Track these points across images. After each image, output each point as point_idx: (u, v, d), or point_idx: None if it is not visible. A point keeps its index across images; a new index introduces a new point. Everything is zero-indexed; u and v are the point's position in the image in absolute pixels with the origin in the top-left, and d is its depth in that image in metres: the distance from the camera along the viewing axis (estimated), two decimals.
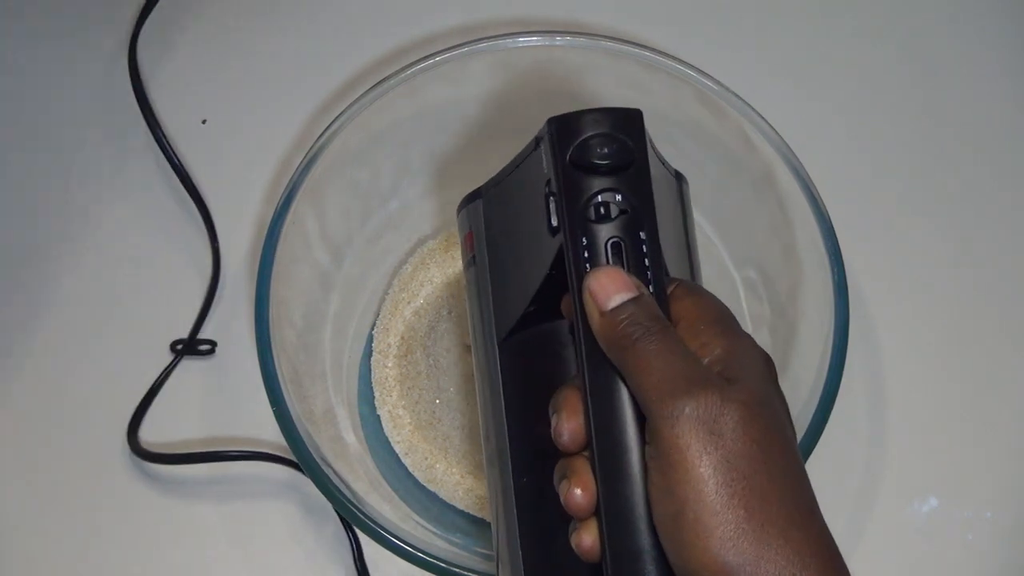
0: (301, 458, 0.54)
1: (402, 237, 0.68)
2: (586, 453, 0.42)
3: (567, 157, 0.43)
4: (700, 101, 0.61)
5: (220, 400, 0.65)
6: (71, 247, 0.68)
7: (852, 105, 0.73)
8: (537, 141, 0.45)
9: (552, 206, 0.43)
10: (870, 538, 0.62)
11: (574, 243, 0.42)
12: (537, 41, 0.62)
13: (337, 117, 0.60)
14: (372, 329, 0.66)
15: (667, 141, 0.64)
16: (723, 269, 0.65)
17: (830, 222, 0.58)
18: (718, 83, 0.61)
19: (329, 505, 0.53)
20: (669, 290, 0.43)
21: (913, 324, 0.67)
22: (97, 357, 0.66)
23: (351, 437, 0.62)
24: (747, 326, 0.63)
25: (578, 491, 0.41)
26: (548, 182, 0.43)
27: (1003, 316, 0.68)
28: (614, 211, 0.42)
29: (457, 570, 0.52)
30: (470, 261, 0.50)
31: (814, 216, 0.58)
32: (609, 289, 0.41)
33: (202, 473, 0.63)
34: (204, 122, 0.72)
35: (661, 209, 0.43)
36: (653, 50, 0.61)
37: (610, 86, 0.63)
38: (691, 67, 0.61)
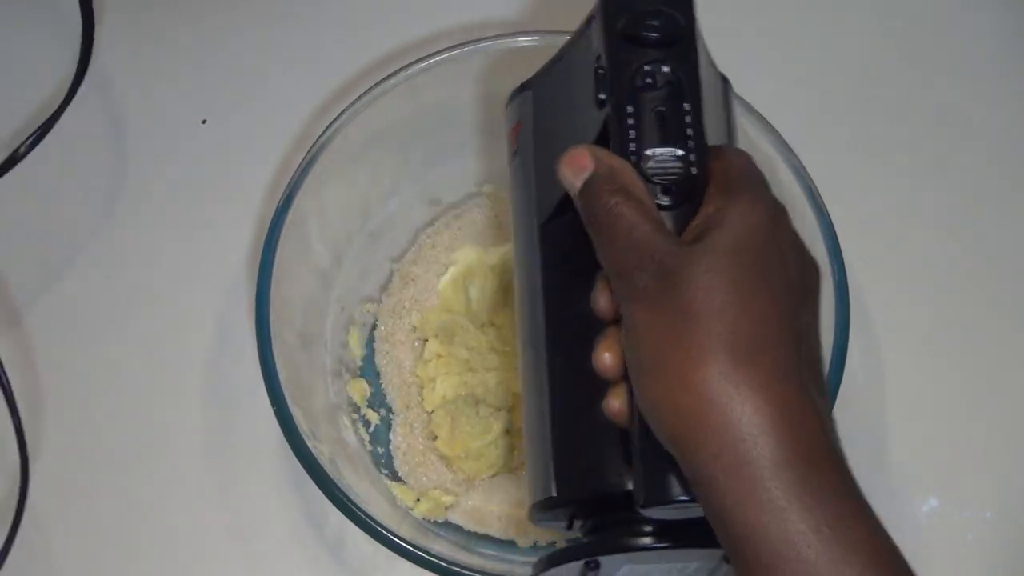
0: (301, 458, 0.54)
1: (402, 237, 0.68)
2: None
3: (617, 29, 0.44)
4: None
5: (220, 400, 0.65)
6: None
7: (852, 105, 0.73)
8: (589, 19, 0.46)
9: (601, 79, 0.44)
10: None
11: (619, 111, 0.43)
12: (537, 41, 0.62)
13: (337, 117, 0.61)
14: (372, 329, 0.66)
15: None
16: None
17: (830, 221, 0.58)
18: None
19: (329, 504, 0.53)
20: None
21: (913, 324, 0.67)
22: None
23: (351, 437, 0.62)
24: None
25: (607, 354, 0.42)
26: (598, 57, 0.44)
27: (1004, 316, 0.68)
28: (660, 81, 0.43)
29: (457, 569, 0.52)
30: (514, 152, 0.50)
31: (814, 216, 0.58)
32: (568, 173, 0.42)
33: (202, 473, 0.63)
34: (204, 122, 0.72)
35: (707, 94, 0.44)
36: None
37: None
38: None
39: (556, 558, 0.44)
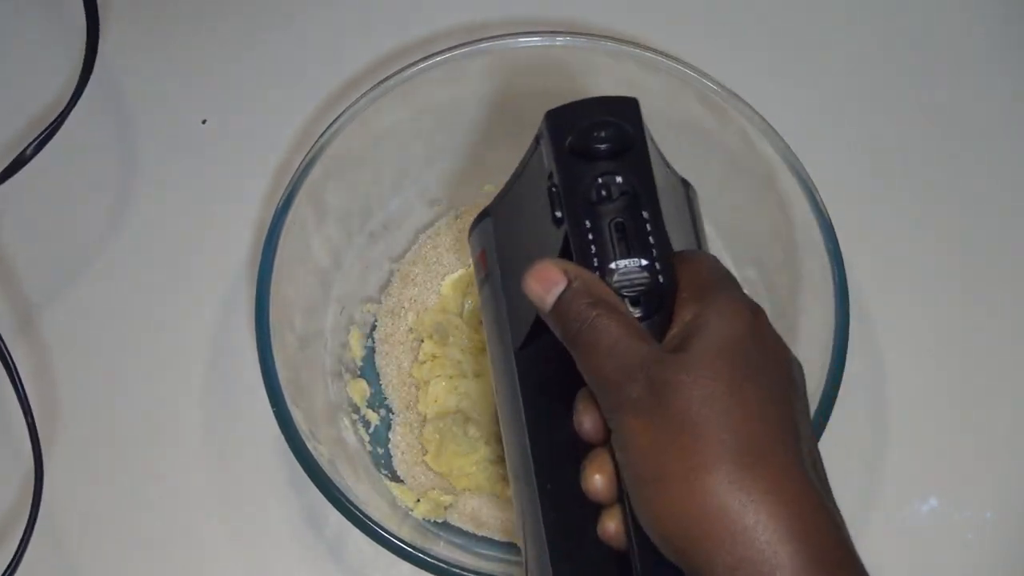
0: (301, 458, 0.54)
1: (402, 237, 0.68)
2: (608, 443, 0.42)
3: (566, 146, 0.43)
4: (700, 101, 0.61)
5: (219, 400, 0.65)
6: None
7: (852, 105, 0.73)
8: (537, 139, 0.45)
9: (555, 198, 0.43)
10: (870, 538, 0.61)
11: (577, 227, 0.42)
12: (537, 41, 0.62)
13: (337, 117, 0.61)
14: (372, 330, 0.66)
15: (667, 141, 0.64)
16: None
17: (830, 222, 0.58)
18: (718, 83, 0.61)
19: (329, 505, 0.53)
20: None
21: (913, 324, 0.67)
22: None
23: (351, 437, 0.63)
24: None
25: (597, 477, 0.41)
26: (550, 175, 0.44)
27: (1004, 316, 0.68)
28: (615, 192, 0.42)
29: (457, 570, 0.52)
30: (483, 279, 0.50)
31: (814, 216, 0.58)
32: (539, 290, 0.41)
33: (202, 473, 0.63)
34: (204, 122, 0.72)
35: (666, 202, 0.43)
36: (653, 50, 0.61)
37: (610, 86, 0.62)
38: (691, 67, 0.61)
39: None
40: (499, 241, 0.49)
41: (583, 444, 0.42)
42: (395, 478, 0.63)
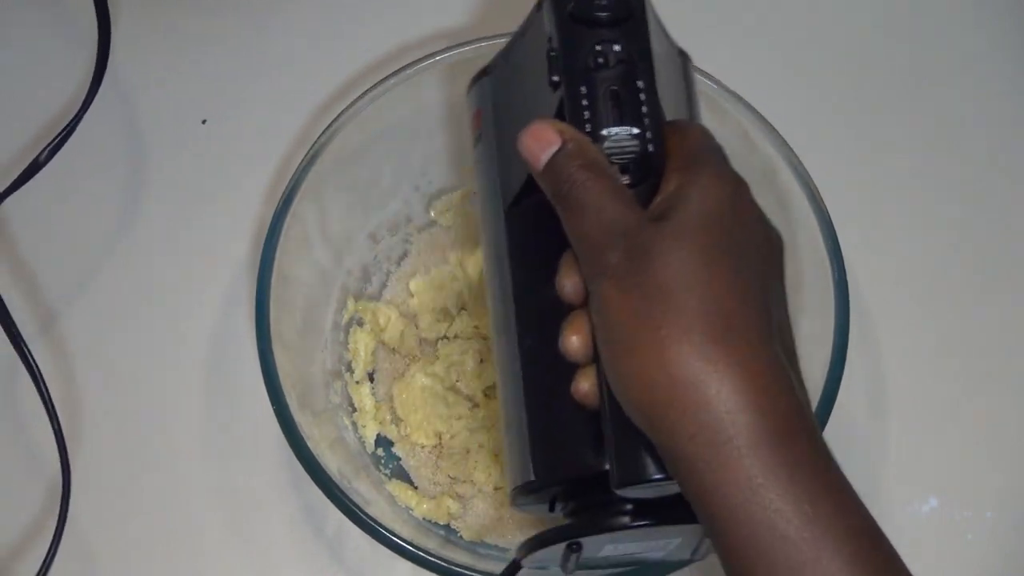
0: (301, 458, 0.54)
1: (402, 237, 0.68)
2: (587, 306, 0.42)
3: (567, 12, 0.44)
4: (700, 101, 0.61)
5: (219, 400, 0.65)
6: None
7: (853, 105, 0.73)
8: (539, 3, 0.46)
9: (553, 62, 0.44)
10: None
11: (572, 92, 0.43)
12: None
13: (337, 117, 0.61)
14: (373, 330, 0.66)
15: None
16: None
17: (830, 221, 0.58)
18: (718, 83, 0.61)
19: (329, 505, 0.53)
20: None
21: (913, 324, 0.67)
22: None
23: (351, 437, 0.63)
24: None
25: (574, 337, 0.42)
26: (549, 39, 0.44)
27: (1004, 316, 0.68)
28: (612, 60, 0.43)
29: (458, 570, 0.52)
30: (477, 138, 0.50)
31: (814, 216, 0.58)
32: (534, 147, 0.42)
33: (202, 473, 0.63)
34: (204, 122, 0.72)
35: (662, 73, 0.44)
36: None
37: None
38: (691, 67, 0.61)
39: (538, 541, 0.45)
40: (496, 101, 0.49)
41: (564, 305, 0.42)
42: (395, 477, 0.62)
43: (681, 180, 0.41)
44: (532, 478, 0.46)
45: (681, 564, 0.49)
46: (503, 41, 0.61)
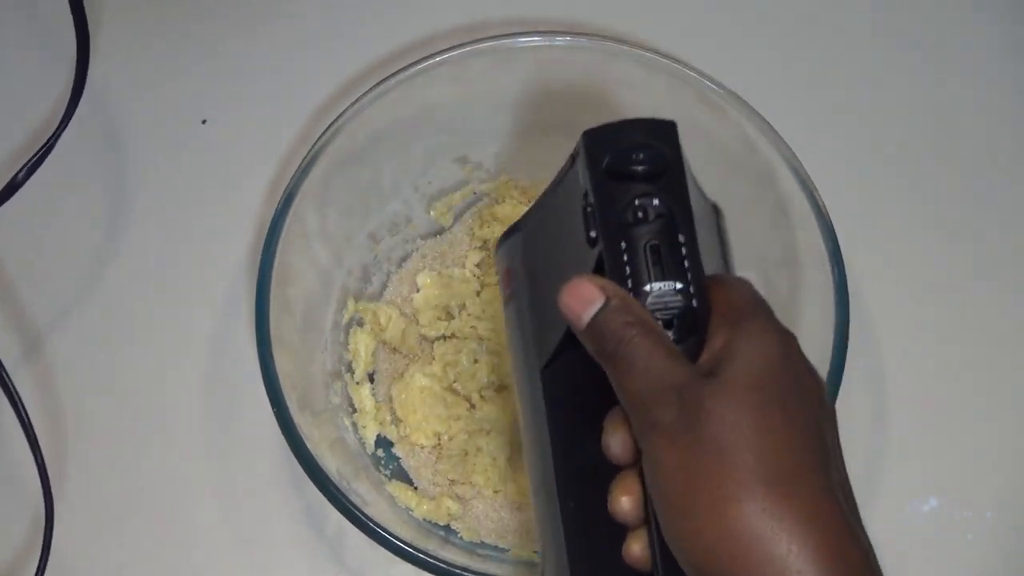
0: (301, 458, 0.54)
1: (402, 238, 0.68)
2: (637, 466, 0.42)
3: (603, 167, 0.43)
4: (700, 101, 0.61)
5: (220, 400, 0.65)
6: None
7: (852, 105, 0.73)
8: (573, 158, 0.45)
9: (590, 217, 0.43)
10: (870, 538, 0.61)
11: (612, 248, 0.42)
12: (538, 41, 0.62)
13: (337, 117, 0.61)
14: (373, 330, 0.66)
15: None
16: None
17: (830, 222, 0.58)
18: (718, 83, 0.61)
19: (329, 505, 0.53)
20: None
21: (913, 324, 0.67)
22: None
23: (351, 437, 0.63)
24: None
25: (624, 499, 0.41)
26: (585, 195, 0.43)
27: (1004, 316, 0.68)
28: (651, 215, 0.42)
29: (458, 571, 0.52)
30: (509, 296, 0.50)
31: (814, 216, 0.58)
32: (576, 307, 0.41)
33: (202, 473, 0.63)
34: (204, 122, 0.72)
35: (699, 223, 0.43)
36: (653, 50, 0.61)
37: (610, 86, 0.63)
38: (691, 67, 0.61)
39: None
40: (527, 258, 0.49)
41: (608, 465, 0.42)
42: (395, 478, 0.63)
43: (730, 335, 0.40)
44: None
45: None
46: (503, 41, 0.62)
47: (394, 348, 0.65)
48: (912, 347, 0.66)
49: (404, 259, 0.68)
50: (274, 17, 0.75)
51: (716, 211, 0.48)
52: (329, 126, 0.60)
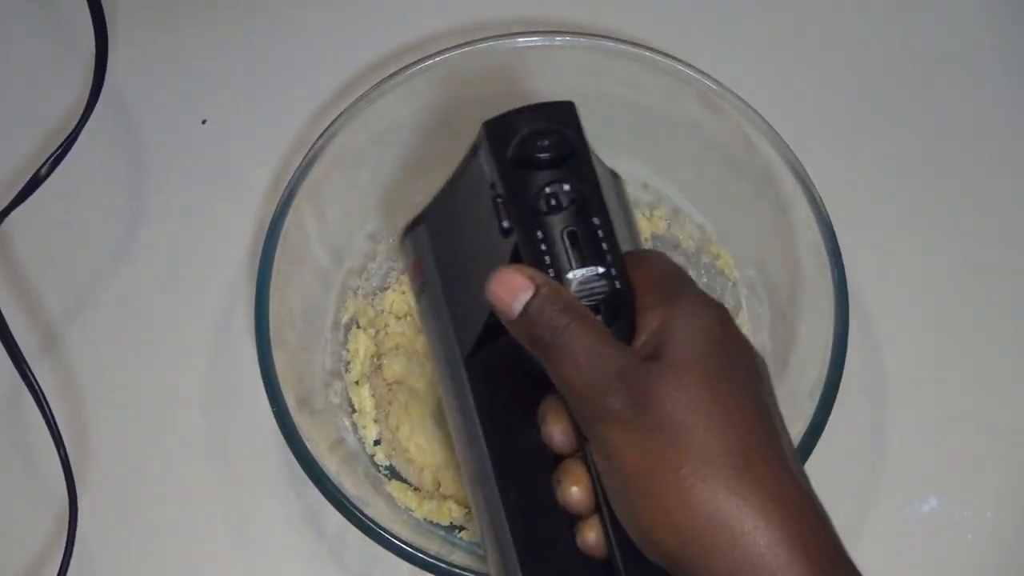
0: (301, 458, 0.54)
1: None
2: (580, 453, 0.42)
3: (508, 157, 0.43)
4: (700, 101, 0.61)
5: (219, 400, 0.65)
6: None
7: (853, 105, 0.73)
8: (475, 148, 0.45)
9: (501, 208, 0.43)
10: (870, 538, 0.61)
11: (528, 238, 0.41)
12: (537, 41, 0.62)
13: (337, 117, 0.61)
14: (373, 329, 0.66)
15: (667, 141, 0.64)
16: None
17: (830, 222, 0.58)
18: (718, 83, 0.61)
19: (329, 505, 0.53)
20: None
21: (913, 324, 0.67)
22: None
23: (351, 437, 0.63)
24: (747, 327, 0.63)
25: (574, 488, 0.41)
26: (492, 185, 0.43)
27: (1004, 316, 0.68)
28: (564, 201, 0.42)
29: (458, 571, 0.52)
30: (419, 288, 0.49)
31: (814, 216, 0.58)
32: (505, 297, 0.40)
33: (202, 473, 0.63)
34: (204, 122, 0.72)
35: (608, 200, 0.43)
36: (653, 50, 0.61)
37: (610, 85, 0.63)
38: (691, 67, 0.61)
39: None
40: (437, 249, 0.48)
41: (545, 453, 0.42)
42: (395, 477, 0.63)
43: (664, 314, 0.40)
44: None
45: None
46: (502, 41, 0.62)
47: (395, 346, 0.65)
48: (912, 347, 0.66)
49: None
50: (274, 18, 0.75)
51: (615, 177, 0.48)
52: (329, 126, 0.60)
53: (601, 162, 0.46)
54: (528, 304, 0.40)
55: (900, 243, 0.69)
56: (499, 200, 0.43)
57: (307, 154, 0.60)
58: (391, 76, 0.61)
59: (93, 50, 0.65)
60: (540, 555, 0.44)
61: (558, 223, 0.42)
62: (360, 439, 0.63)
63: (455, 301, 0.47)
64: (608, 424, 0.38)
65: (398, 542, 0.53)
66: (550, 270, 0.41)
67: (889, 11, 0.76)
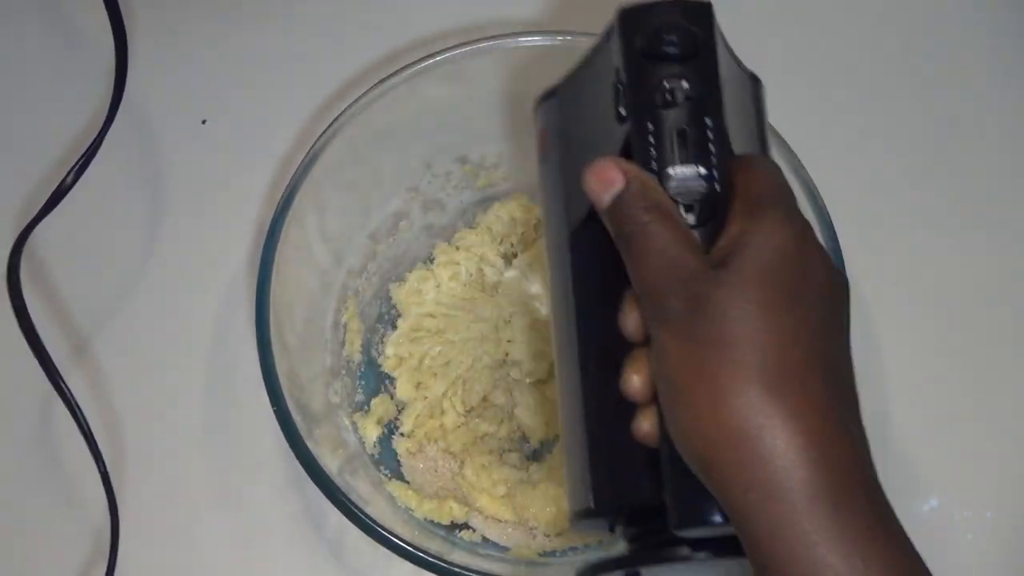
0: (301, 458, 0.54)
1: (402, 238, 0.68)
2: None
3: (635, 46, 0.43)
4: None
5: (220, 400, 0.65)
6: None
7: (852, 105, 0.73)
8: (608, 33, 0.45)
9: (620, 95, 0.43)
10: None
11: (639, 129, 0.42)
12: (538, 41, 0.62)
13: (337, 117, 0.61)
14: (373, 329, 0.66)
15: None
16: None
17: (830, 222, 0.58)
18: None
19: (329, 505, 0.53)
20: None
21: (914, 324, 0.67)
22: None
23: (351, 437, 0.63)
24: None
25: (636, 378, 0.41)
26: (617, 71, 0.44)
27: (1004, 316, 0.68)
28: (680, 97, 0.42)
29: (458, 570, 0.52)
30: (543, 158, 0.50)
31: (814, 216, 0.58)
32: (597, 187, 0.41)
33: (202, 473, 0.63)
34: (204, 122, 0.72)
35: (731, 103, 0.43)
36: None
37: None
38: None
39: (597, 568, 0.44)
40: (561, 123, 0.49)
41: (627, 341, 0.42)
42: (395, 477, 0.63)
43: (745, 225, 0.40)
44: (591, 506, 0.45)
45: None
46: (504, 41, 0.62)
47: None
48: (912, 347, 0.66)
49: (403, 258, 0.68)
50: (273, 18, 0.75)
51: (755, 81, 0.48)
52: (329, 126, 0.60)
53: (739, 64, 0.46)
54: (617, 197, 0.41)
55: (900, 243, 0.69)
56: (620, 87, 0.43)
57: (307, 154, 0.60)
58: (391, 76, 0.61)
59: (106, 60, 0.65)
60: (605, 432, 0.45)
61: (671, 118, 0.42)
62: (360, 439, 0.63)
63: (569, 176, 0.47)
64: (663, 326, 0.39)
65: (398, 541, 0.53)
66: (654, 163, 0.42)
67: (889, 11, 0.76)
